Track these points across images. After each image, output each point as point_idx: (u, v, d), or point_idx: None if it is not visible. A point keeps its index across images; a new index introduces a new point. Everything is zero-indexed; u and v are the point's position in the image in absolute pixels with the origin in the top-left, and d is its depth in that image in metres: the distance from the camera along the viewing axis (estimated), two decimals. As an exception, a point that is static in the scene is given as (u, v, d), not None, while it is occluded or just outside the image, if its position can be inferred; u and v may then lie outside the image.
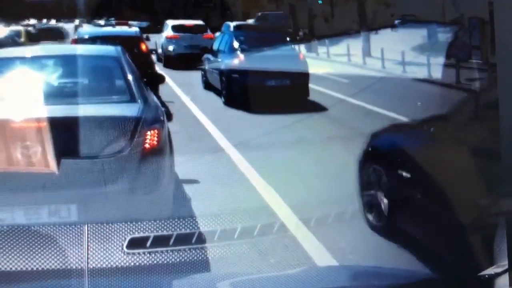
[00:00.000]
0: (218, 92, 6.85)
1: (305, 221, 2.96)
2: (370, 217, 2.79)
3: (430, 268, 2.44)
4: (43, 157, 2.53)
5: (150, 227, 2.43)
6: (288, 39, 7.52)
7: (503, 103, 1.45)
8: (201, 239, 2.63)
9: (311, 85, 6.09)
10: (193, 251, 2.51)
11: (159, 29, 9.13)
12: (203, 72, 7.94)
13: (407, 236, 2.65)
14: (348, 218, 2.99)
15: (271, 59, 5.66)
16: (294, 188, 3.58)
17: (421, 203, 2.57)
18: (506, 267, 1.62)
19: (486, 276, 1.68)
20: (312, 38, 8.89)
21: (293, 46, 7.21)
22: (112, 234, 2.33)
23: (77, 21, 8.50)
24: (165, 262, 2.41)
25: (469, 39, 3.59)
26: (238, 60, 6.65)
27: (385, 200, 2.74)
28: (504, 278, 1.65)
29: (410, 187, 2.57)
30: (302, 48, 8.19)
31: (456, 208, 2.46)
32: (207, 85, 7.56)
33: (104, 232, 2.27)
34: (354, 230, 2.89)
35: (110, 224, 2.32)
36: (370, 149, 3.02)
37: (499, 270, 1.66)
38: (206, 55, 7.92)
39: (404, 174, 2.70)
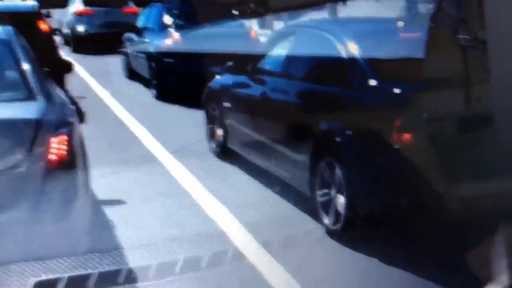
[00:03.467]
0: (146, 83, 6.81)
1: (266, 245, 3.00)
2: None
3: None
4: None
5: (61, 266, 2.38)
6: (235, 12, 7.48)
7: (497, 88, 1.52)
8: (131, 277, 2.61)
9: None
10: None
11: (63, 3, 8.94)
12: (125, 57, 7.78)
13: (385, 252, 2.76)
14: (319, 237, 3.02)
15: (214, 39, 5.64)
16: (250, 205, 3.56)
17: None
18: (507, 283, 1.66)
19: None
20: (266, 11, 8.90)
21: (242, 21, 7.18)
22: (10, 278, 2.28)
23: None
24: None
25: (455, 11, 3.70)
26: (172, 41, 6.55)
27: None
28: None
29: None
30: (253, 24, 8.17)
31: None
32: (132, 74, 7.42)
33: (-1, 276, 2.26)
34: (327, 250, 2.92)
35: (6, 266, 2.26)
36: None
37: (498, 287, 1.71)
38: (129, 35, 7.78)
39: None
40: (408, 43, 3.43)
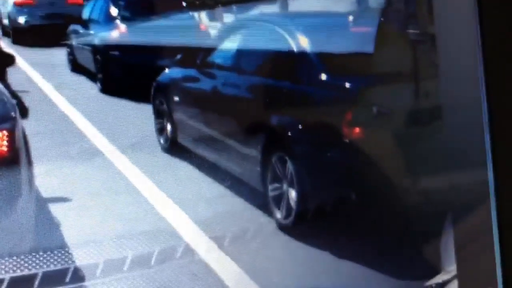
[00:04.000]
0: (92, 76, 6.71)
1: (217, 240, 3.00)
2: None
3: (370, 282, 2.55)
4: None
5: (3, 266, 2.35)
6: (184, 4, 7.44)
7: (445, 82, 1.56)
8: (78, 275, 2.59)
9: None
10: None
11: None
12: (69, 50, 7.71)
13: (337, 245, 2.81)
14: (271, 230, 3.06)
15: (162, 31, 5.60)
16: (201, 200, 3.57)
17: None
18: (455, 273, 1.69)
19: (434, 285, 1.76)
20: (216, 3, 8.88)
21: (191, 13, 7.16)
22: None
23: None
24: None
25: (405, 6, 3.86)
26: (118, 33, 6.51)
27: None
28: (454, 286, 1.73)
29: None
30: (203, 17, 8.16)
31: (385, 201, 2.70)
32: (76, 67, 7.38)
33: None
34: (279, 243, 2.95)
35: None
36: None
37: (447, 277, 1.74)
38: (73, 27, 7.70)
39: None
40: (358, 38, 3.48)
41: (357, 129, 2.88)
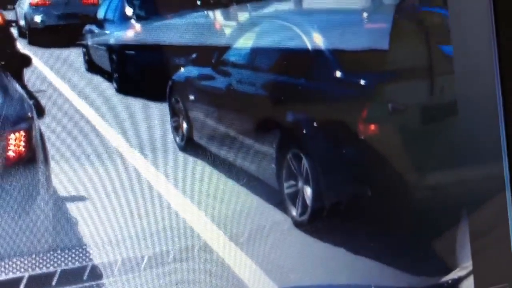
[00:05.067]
0: (107, 76, 6.76)
1: (233, 237, 3.01)
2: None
3: (385, 278, 2.56)
4: None
5: (22, 265, 2.37)
6: (199, 3, 7.45)
7: (460, 77, 1.59)
8: (96, 273, 2.60)
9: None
10: None
11: None
12: (85, 49, 7.74)
13: (353, 242, 2.82)
14: (287, 228, 3.07)
15: (177, 30, 5.63)
16: (217, 198, 3.58)
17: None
18: (471, 269, 1.70)
19: (450, 281, 1.78)
20: (231, 2, 8.86)
21: (206, 12, 7.16)
22: None
23: None
24: None
25: (419, 1, 3.87)
26: (134, 32, 6.53)
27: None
28: (469, 282, 1.75)
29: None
30: (218, 15, 8.16)
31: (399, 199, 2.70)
32: (92, 67, 7.41)
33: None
34: (294, 240, 2.96)
35: None
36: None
37: (463, 273, 1.76)
38: (89, 27, 7.74)
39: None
40: (372, 34, 3.48)
41: (372, 126, 2.88)
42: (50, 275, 2.37)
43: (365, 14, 4.19)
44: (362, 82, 3.05)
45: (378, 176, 2.93)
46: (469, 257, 1.70)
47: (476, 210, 1.65)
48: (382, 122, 2.92)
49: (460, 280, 1.78)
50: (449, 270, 1.89)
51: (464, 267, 1.78)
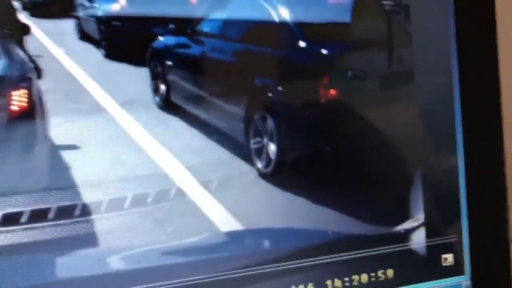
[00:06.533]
0: (96, 44, 6.70)
1: (205, 184, 3.13)
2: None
3: (342, 225, 2.66)
4: None
5: (25, 201, 2.56)
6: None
7: (417, 49, 1.63)
8: (86, 211, 2.68)
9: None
10: (78, 225, 2.59)
11: None
12: (77, 21, 7.61)
13: (312, 192, 2.94)
14: (252, 178, 3.19)
15: (157, 4, 5.64)
16: (192, 150, 3.68)
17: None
18: (422, 220, 1.84)
19: (402, 231, 1.93)
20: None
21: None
22: None
23: None
24: (46, 238, 2.46)
25: None
26: (119, 5, 6.48)
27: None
28: (421, 232, 1.89)
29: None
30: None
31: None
32: (83, 36, 7.30)
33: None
34: (259, 189, 3.09)
35: None
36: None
37: (415, 224, 1.91)
38: (81, 1, 7.64)
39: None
40: (335, 9, 3.52)
41: (332, 91, 2.97)
42: (47, 211, 2.50)
43: None
44: (324, 51, 3.07)
45: (337, 135, 2.92)
46: (421, 210, 1.79)
47: (429, 167, 1.70)
48: (341, 87, 3.01)
49: (412, 230, 1.90)
50: (402, 221, 1.99)
51: (416, 219, 1.88)
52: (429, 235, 1.73)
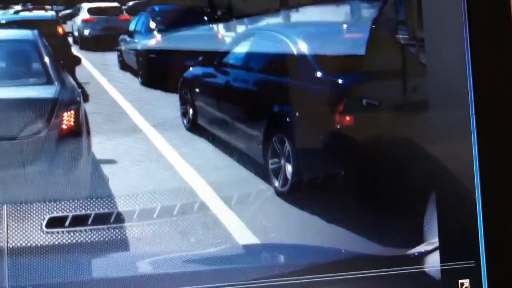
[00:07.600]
0: (135, 73, 6.70)
1: (226, 200, 2.98)
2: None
3: (357, 245, 2.49)
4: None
5: (68, 207, 2.56)
6: (205, 18, 7.43)
7: (432, 77, 1.59)
8: (119, 218, 2.69)
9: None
10: (112, 230, 2.61)
11: (75, 13, 8.88)
12: (119, 53, 7.67)
13: (327, 212, 2.78)
14: (270, 196, 3.20)
15: (189, 39, 5.66)
16: (214, 168, 3.66)
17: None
18: (437, 244, 1.73)
19: (416, 254, 1.79)
20: (231, 17, 8.75)
21: (211, 25, 7.15)
22: (31, 214, 2.47)
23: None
24: (84, 240, 2.51)
25: (395, 14, 3.72)
26: (155, 40, 6.55)
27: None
28: (435, 256, 1.77)
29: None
30: (220, 28, 8.08)
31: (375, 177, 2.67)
32: (124, 66, 7.37)
33: (23, 212, 2.42)
34: (276, 207, 2.93)
35: (29, 204, 2.46)
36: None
37: (429, 248, 1.78)
38: (123, 36, 7.69)
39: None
40: (351, 42, 3.30)
41: (347, 117, 2.82)
42: (87, 217, 2.54)
43: (345, 26, 4.11)
44: (340, 81, 2.95)
45: (351, 159, 2.82)
46: (436, 234, 1.64)
47: (445, 192, 1.52)
48: (356, 114, 2.80)
49: (426, 253, 1.75)
50: (416, 244, 1.82)
51: (431, 243, 1.74)
52: (444, 259, 1.59)
